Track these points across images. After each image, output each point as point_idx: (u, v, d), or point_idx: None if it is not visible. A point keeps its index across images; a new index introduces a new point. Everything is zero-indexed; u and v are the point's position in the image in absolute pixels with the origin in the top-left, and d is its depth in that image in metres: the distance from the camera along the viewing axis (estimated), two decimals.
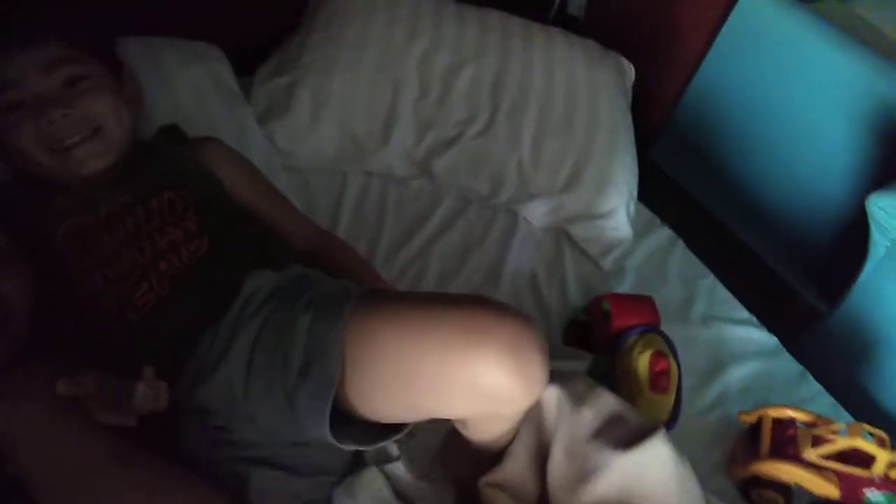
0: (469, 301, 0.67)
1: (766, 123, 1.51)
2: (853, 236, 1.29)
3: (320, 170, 1.23)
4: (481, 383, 0.63)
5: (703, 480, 0.98)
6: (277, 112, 1.20)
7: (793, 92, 1.43)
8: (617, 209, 1.28)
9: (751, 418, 1.03)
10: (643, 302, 1.04)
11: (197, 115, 1.09)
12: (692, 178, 1.69)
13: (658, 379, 0.92)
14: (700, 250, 1.38)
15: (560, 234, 1.28)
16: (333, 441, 0.69)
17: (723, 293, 1.29)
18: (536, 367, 0.65)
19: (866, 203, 1.16)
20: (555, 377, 0.84)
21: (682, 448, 1.00)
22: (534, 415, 0.83)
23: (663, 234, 1.37)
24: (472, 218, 1.26)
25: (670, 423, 0.96)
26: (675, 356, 0.98)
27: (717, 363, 1.16)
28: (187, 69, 1.13)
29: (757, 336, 1.23)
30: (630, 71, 1.47)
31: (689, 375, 1.13)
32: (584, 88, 1.33)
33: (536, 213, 1.27)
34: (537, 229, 1.27)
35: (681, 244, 1.36)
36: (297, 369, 0.70)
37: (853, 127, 1.36)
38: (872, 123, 1.33)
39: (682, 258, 1.34)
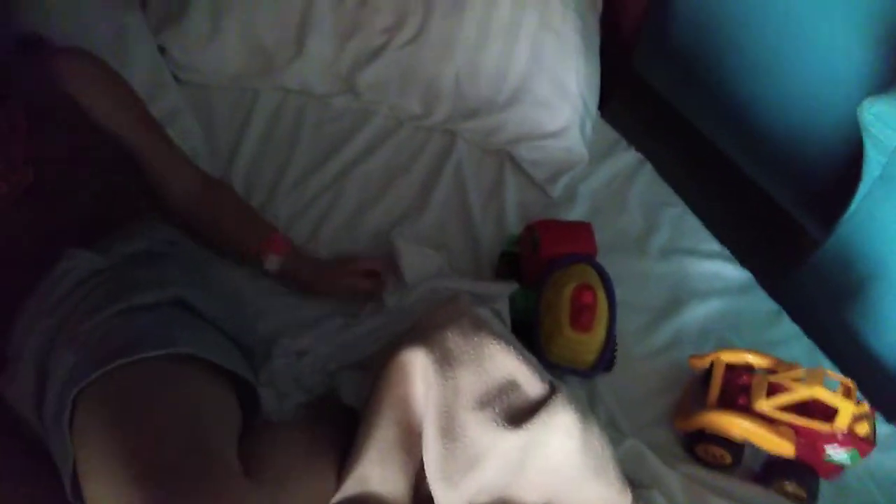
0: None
1: (760, 30, 1.31)
2: (857, 158, 1.12)
3: (227, 88, 1.09)
4: None
5: (644, 432, 0.86)
6: (173, 18, 1.05)
7: None
8: (569, 127, 1.11)
9: (703, 363, 0.89)
10: (577, 229, 0.90)
11: (68, 18, 0.94)
12: (680, 93, 1.50)
13: (580, 315, 0.78)
14: (681, 174, 1.22)
15: (503, 157, 1.12)
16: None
17: (691, 223, 1.13)
18: None
19: (859, 112, 0.98)
20: (420, 334, 0.70)
21: (621, 395, 0.89)
22: (397, 396, 0.69)
23: (628, 156, 1.20)
24: (402, 140, 1.11)
25: (597, 367, 0.83)
26: (609, 291, 0.83)
27: (675, 301, 1.01)
28: None
29: (727, 271, 1.07)
30: None
31: (641, 314, 0.99)
32: None
33: (476, 133, 1.11)
34: (477, 151, 1.12)
35: (648, 168, 1.19)
36: (51, 416, 0.61)
37: (854, 35, 1.15)
38: (875, 32, 1.12)
39: (647, 184, 1.17)
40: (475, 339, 0.70)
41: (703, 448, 0.83)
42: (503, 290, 0.88)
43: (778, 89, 1.32)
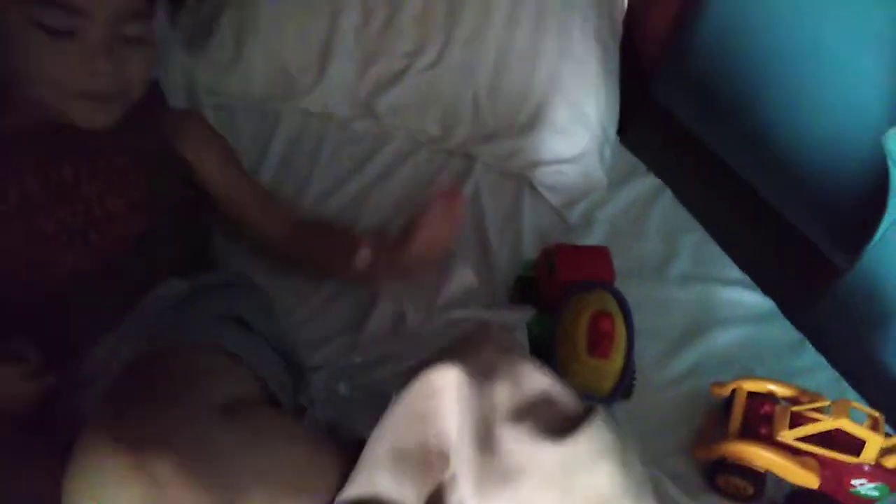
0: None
1: (783, 58, 1.31)
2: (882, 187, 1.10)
3: (250, 109, 1.11)
4: None
5: (663, 461, 0.84)
6: (200, 43, 1.08)
7: (819, 22, 1.22)
8: (587, 153, 1.11)
9: (724, 391, 0.87)
10: (595, 254, 0.89)
11: None
12: (701, 121, 1.49)
13: (598, 341, 0.77)
14: (701, 201, 1.21)
15: (521, 181, 1.12)
16: None
17: (711, 250, 1.12)
18: None
19: (884, 140, 0.97)
20: (453, 349, 0.68)
21: (639, 424, 0.87)
22: (422, 411, 0.67)
23: (647, 182, 1.20)
24: (420, 163, 1.12)
25: (615, 395, 0.81)
26: (628, 317, 0.83)
27: (696, 328, 1.00)
28: None
29: (748, 298, 1.06)
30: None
31: (660, 341, 0.97)
32: (555, 13, 1.15)
33: (494, 157, 1.12)
34: (495, 175, 1.12)
35: (668, 194, 1.19)
36: None
37: (880, 63, 1.15)
38: None
39: (666, 210, 1.16)
40: (509, 357, 0.69)
41: (725, 479, 0.81)
42: (520, 317, 0.87)
43: (801, 116, 1.31)
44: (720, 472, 0.80)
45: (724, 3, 1.36)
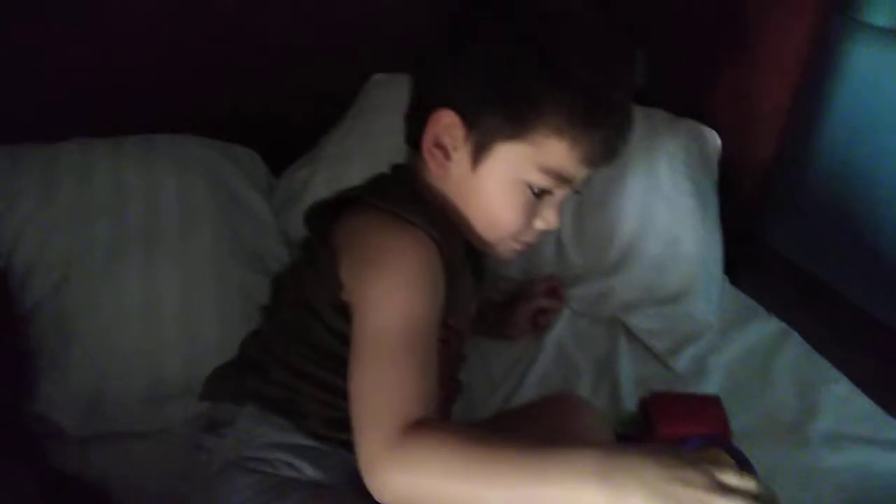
0: None
1: None
2: None
3: None
4: None
5: None
6: (292, 202, 1.13)
7: None
8: (691, 290, 0.99)
9: None
10: (701, 403, 0.74)
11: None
12: (823, 261, 1.31)
13: None
14: (835, 353, 1.01)
15: (615, 326, 1.01)
16: None
17: (863, 405, 0.91)
18: None
19: None
20: None
21: None
22: None
23: (769, 325, 1.03)
24: None
25: None
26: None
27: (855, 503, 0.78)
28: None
29: None
30: (712, 137, 1.21)
31: None
32: (641, 156, 1.10)
33: (583, 301, 1.02)
34: (584, 322, 1.02)
35: (796, 338, 1.01)
36: None
37: None
38: None
39: (797, 357, 0.98)
40: None
41: None
42: None
43: None
44: None
45: (833, 134, 1.26)
